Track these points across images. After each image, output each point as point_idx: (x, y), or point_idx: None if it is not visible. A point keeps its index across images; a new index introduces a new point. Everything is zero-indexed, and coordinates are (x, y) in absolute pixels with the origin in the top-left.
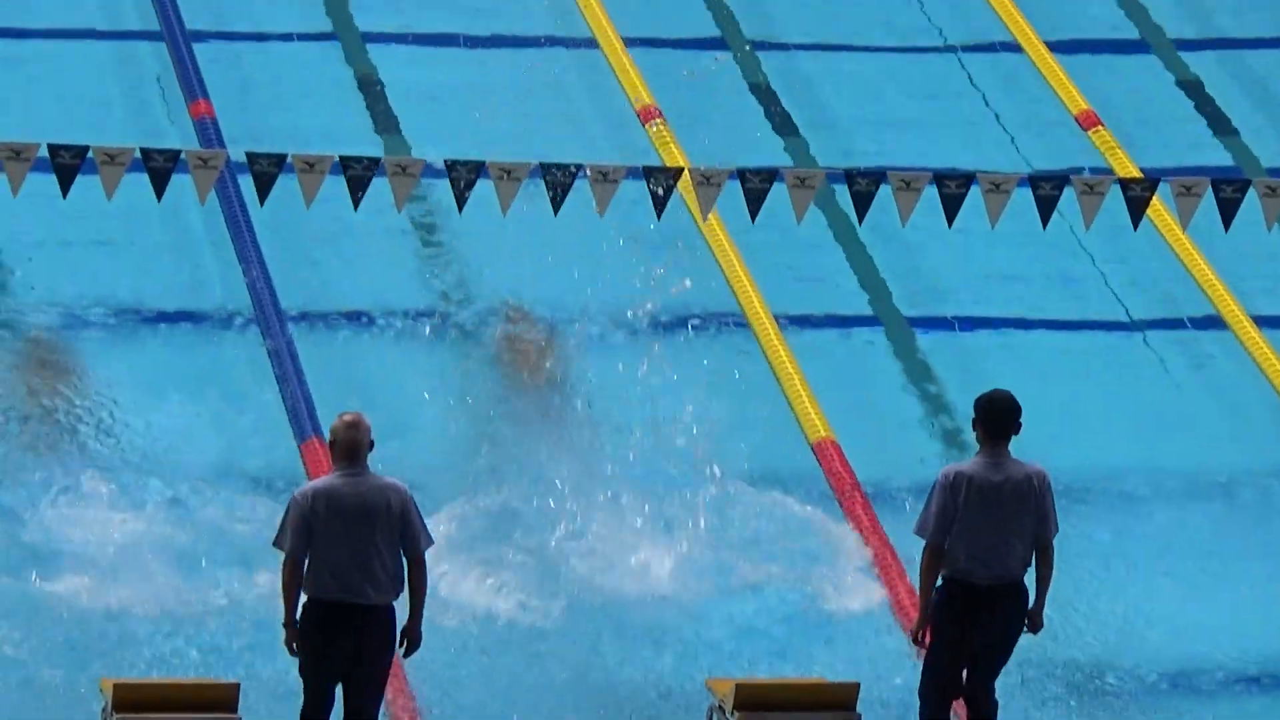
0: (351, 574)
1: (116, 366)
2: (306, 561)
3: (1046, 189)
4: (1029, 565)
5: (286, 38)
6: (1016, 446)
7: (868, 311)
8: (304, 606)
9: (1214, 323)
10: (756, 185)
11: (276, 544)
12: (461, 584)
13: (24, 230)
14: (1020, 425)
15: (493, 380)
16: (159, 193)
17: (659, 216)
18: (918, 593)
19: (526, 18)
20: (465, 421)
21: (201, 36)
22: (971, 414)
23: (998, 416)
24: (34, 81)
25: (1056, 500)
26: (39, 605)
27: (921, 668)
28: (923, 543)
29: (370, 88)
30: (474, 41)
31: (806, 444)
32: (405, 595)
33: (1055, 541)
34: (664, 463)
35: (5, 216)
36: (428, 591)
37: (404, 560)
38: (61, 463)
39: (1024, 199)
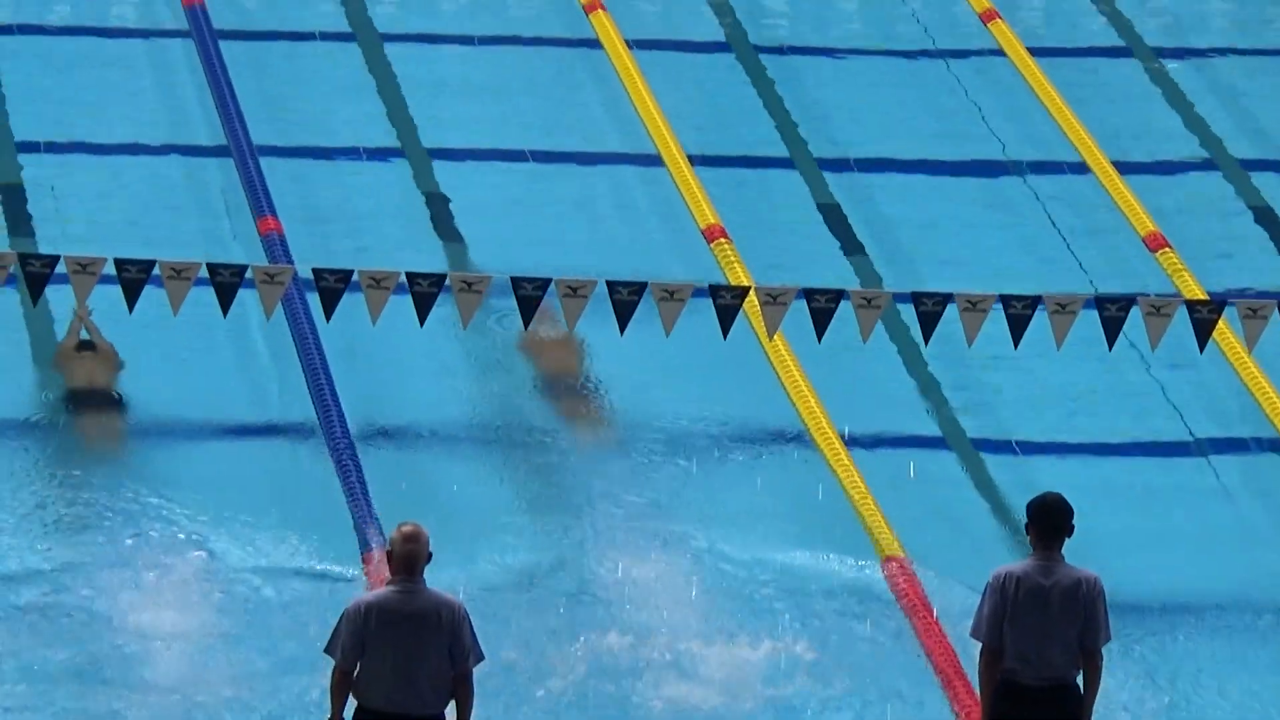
0: (399, 686)
1: (179, 479)
2: (356, 671)
3: (1113, 310)
4: (1079, 668)
5: (354, 154)
6: (1077, 558)
7: (933, 431)
8: (354, 712)
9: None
10: (823, 305)
11: (328, 651)
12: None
13: None
14: (1073, 527)
15: (557, 492)
16: (225, 307)
17: (725, 335)
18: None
19: (593, 134)
20: (529, 532)
21: (269, 152)
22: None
23: (1049, 518)
24: (101, 196)
25: (1119, 621)
26: (99, 710)
27: None
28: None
29: (437, 204)
30: (541, 157)
31: (875, 559)
32: None
33: (1114, 661)
34: (729, 577)
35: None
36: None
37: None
38: (122, 570)
39: (1090, 320)
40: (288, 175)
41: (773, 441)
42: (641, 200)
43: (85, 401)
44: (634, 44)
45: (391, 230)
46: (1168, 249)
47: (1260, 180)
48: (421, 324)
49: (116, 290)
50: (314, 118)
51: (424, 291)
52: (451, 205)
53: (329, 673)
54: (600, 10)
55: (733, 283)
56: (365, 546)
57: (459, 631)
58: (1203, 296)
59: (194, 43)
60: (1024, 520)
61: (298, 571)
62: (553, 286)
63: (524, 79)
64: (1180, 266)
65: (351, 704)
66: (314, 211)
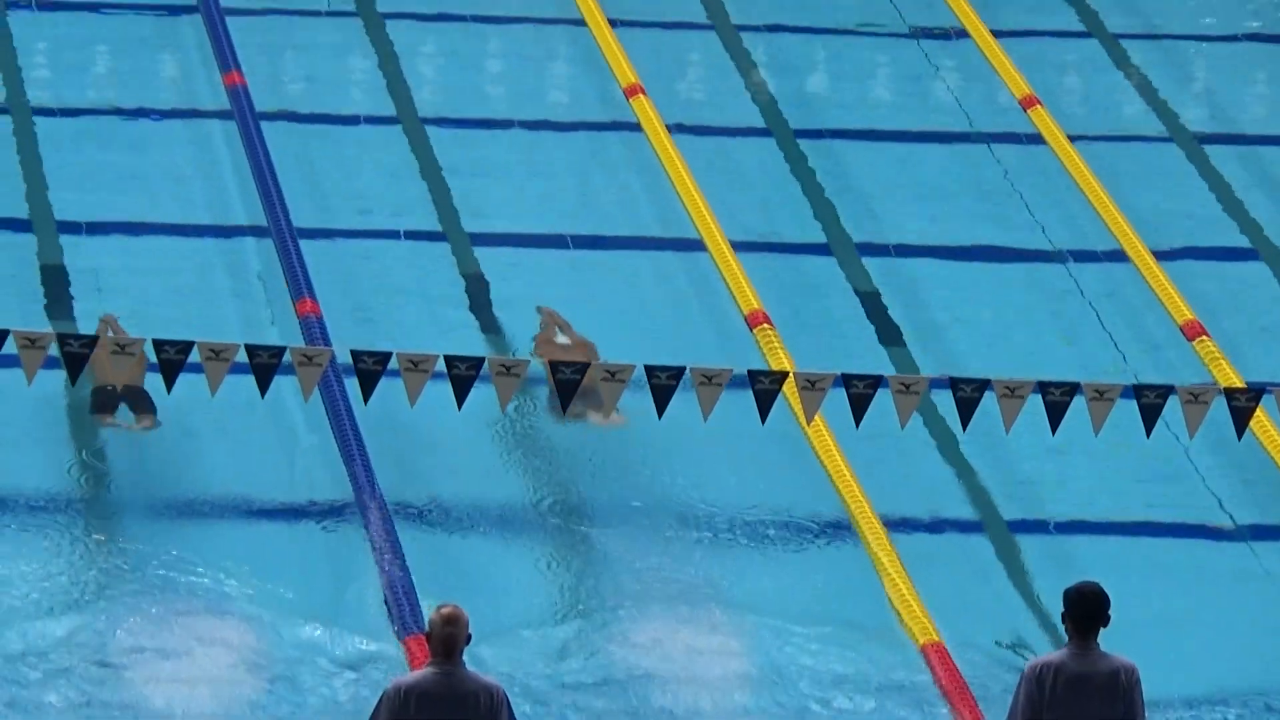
0: None
1: (214, 557)
2: None
3: (1150, 398)
4: None
5: (393, 235)
6: (1116, 640)
7: (970, 514)
8: None
9: None
10: (861, 390)
11: None
12: None
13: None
14: (1109, 617)
15: (595, 574)
16: (263, 389)
17: (763, 420)
18: None
19: (633, 220)
20: (567, 614)
21: (309, 234)
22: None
23: (1087, 609)
24: (140, 277)
25: (1160, 704)
26: None
27: None
28: None
29: (476, 287)
30: (580, 243)
31: (915, 644)
32: None
33: None
34: (767, 660)
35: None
36: None
37: None
38: (152, 647)
39: (1128, 407)
40: (327, 257)
41: (812, 525)
42: (683, 285)
43: (116, 398)
44: (674, 128)
45: (430, 313)
46: (1205, 337)
47: None
48: (460, 407)
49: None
50: (354, 200)
51: (462, 375)
52: (490, 288)
53: None
54: (641, 95)
55: (775, 368)
56: (403, 626)
57: (498, 716)
58: (1240, 384)
59: (235, 123)
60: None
61: (332, 650)
62: (591, 370)
63: (564, 163)
64: (1217, 355)
65: None
66: (353, 294)
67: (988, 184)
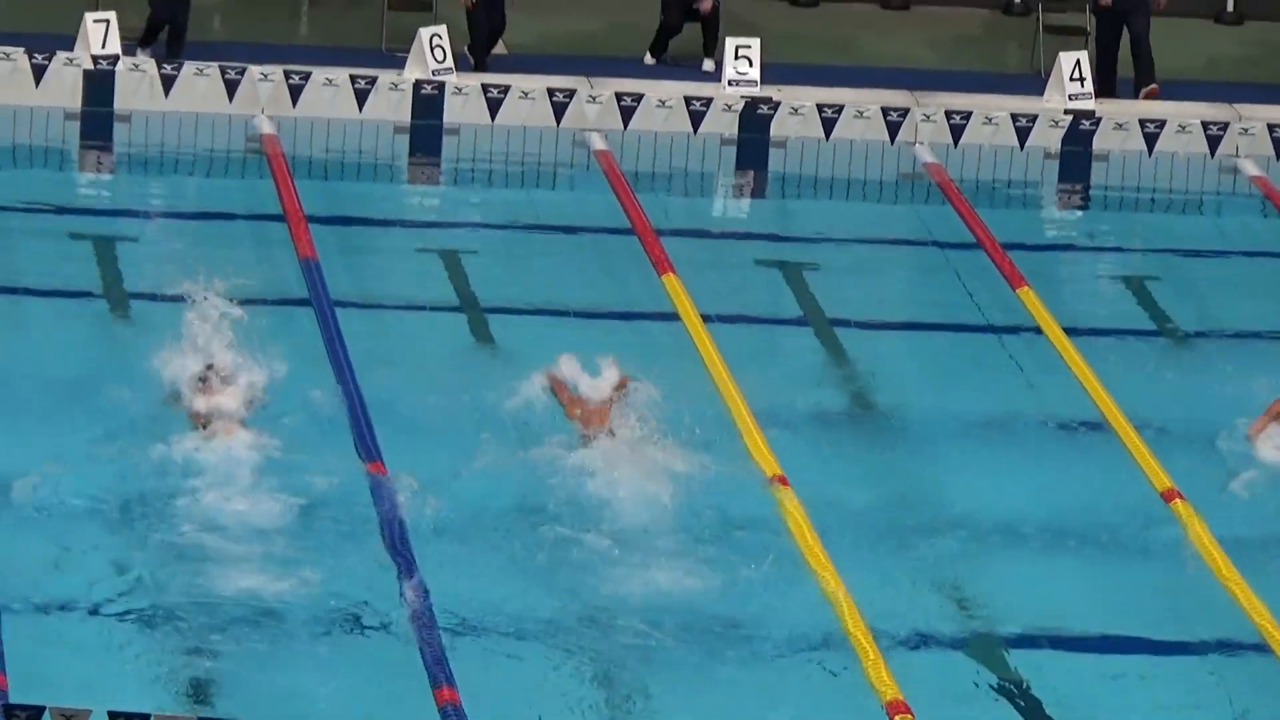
0: None
1: None
2: None
3: None
4: None
5: (526, 627)
6: None
7: None
8: None
9: None
10: None
11: None
12: None
13: None
14: None
15: None
16: None
17: None
18: None
19: (780, 614)
20: None
21: (449, 629)
22: None
23: None
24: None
25: None
26: None
27: None
28: None
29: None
30: (732, 638)
31: None
32: None
33: None
34: None
35: None
36: None
37: None
38: None
39: None
40: (469, 649)
41: None
42: (822, 682)
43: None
44: (819, 523)
45: (569, 706)
46: None
47: None
48: None
49: None
50: (493, 597)
51: None
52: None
53: None
54: (783, 484)
55: None
56: None
57: None
58: None
59: (375, 512)
60: None
61: None
62: None
63: (714, 564)
64: None
65: None
66: (492, 680)
67: (1126, 577)
